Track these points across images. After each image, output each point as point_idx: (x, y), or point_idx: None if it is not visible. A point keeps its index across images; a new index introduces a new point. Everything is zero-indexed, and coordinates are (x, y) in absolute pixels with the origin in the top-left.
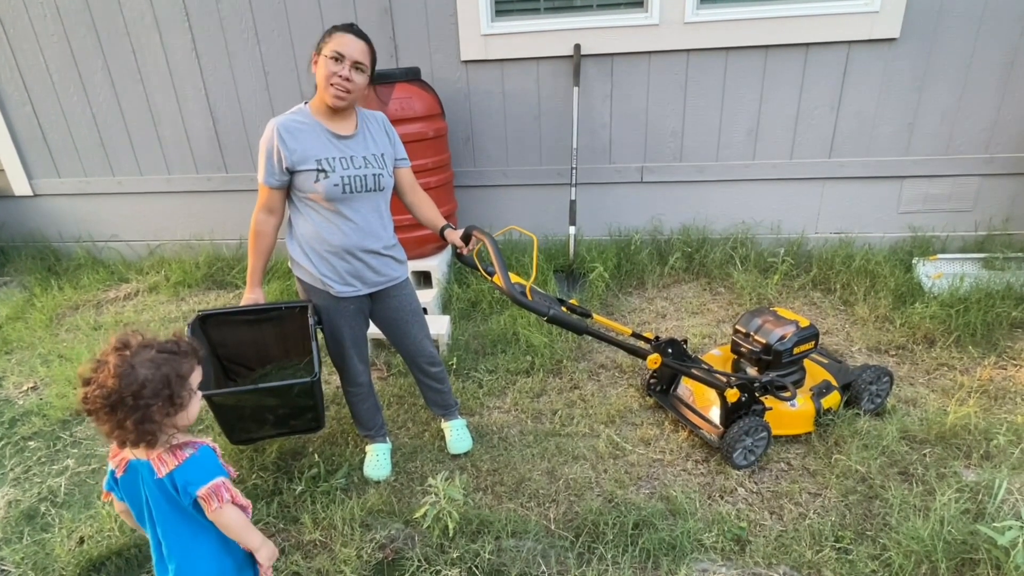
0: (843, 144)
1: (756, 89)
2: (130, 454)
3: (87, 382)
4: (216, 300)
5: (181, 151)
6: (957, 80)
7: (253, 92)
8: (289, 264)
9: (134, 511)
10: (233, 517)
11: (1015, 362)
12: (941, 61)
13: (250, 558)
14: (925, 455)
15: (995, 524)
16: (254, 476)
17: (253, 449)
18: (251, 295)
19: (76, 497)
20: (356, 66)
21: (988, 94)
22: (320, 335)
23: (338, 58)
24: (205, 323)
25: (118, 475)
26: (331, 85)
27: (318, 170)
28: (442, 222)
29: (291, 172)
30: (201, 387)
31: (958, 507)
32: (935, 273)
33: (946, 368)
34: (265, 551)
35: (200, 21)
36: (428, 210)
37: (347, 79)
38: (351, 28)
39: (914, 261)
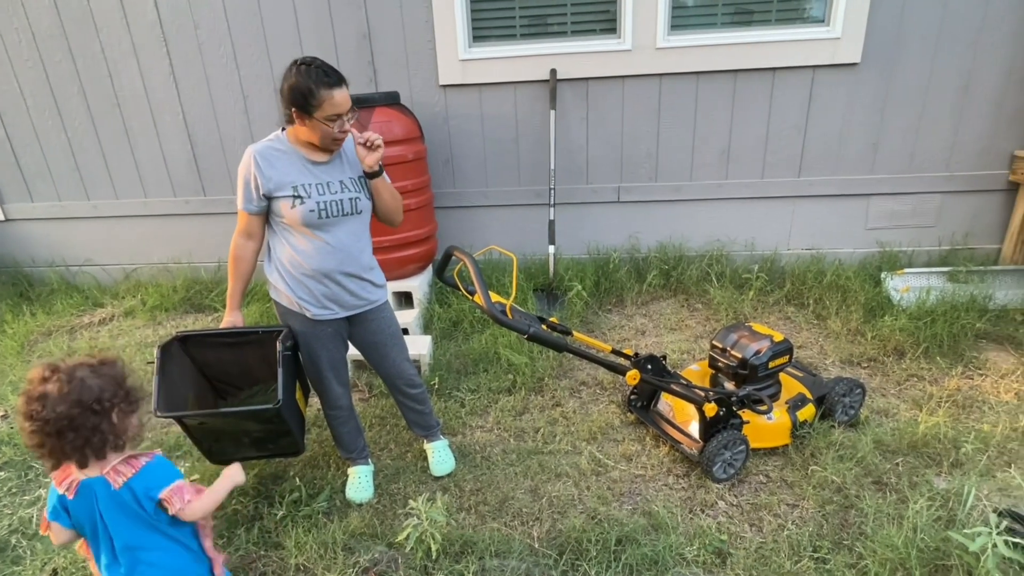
0: (811, 163)
1: (727, 111)
2: (81, 474)
3: (31, 416)
4: (194, 323)
5: (158, 174)
6: (917, 102)
7: (231, 116)
8: (267, 288)
9: (87, 533)
10: (199, 506)
11: (980, 372)
12: (901, 84)
13: (210, 565)
14: (898, 464)
15: (966, 531)
16: (233, 502)
17: None
18: (230, 318)
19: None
20: (349, 113)
21: (946, 115)
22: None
23: (336, 119)
24: (186, 344)
25: (70, 497)
26: (335, 141)
27: (294, 196)
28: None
29: (268, 198)
30: (174, 408)
31: (930, 515)
32: (903, 287)
33: (916, 379)
34: (236, 478)
35: (178, 46)
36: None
37: (347, 130)
38: (334, 79)
39: (883, 275)
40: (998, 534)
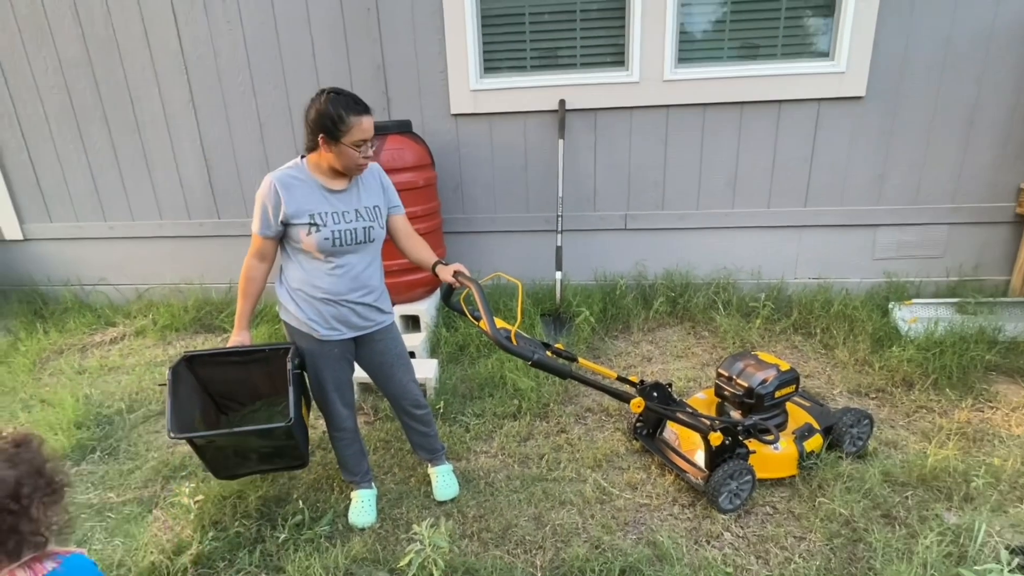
0: (818, 194)
1: (733, 142)
2: None
3: None
4: (204, 343)
5: (174, 197)
6: (921, 135)
7: (248, 142)
8: (277, 308)
9: None
10: None
11: (991, 404)
12: (905, 117)
13: None
14: (907, 497)
15: (976, 568)
16: (236, 524)
17: (236, 496)
18: (238, 337)
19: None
20: (372, 141)
21: (951, 148)
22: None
23: (362, 145)
24: (192, 363)
25: None
26: (359, 167)
27: (311, 224)
28: (434, 259)
29: (285, 224)
30: (184, 428)
31: (940, 550)
32: (911, 317)
33: (925, 410)
34: None
35: (198, 74)
36: (421, 251)
37: (370, 156)
38: (362, 107)
39: (890, 306)
40: (1010, 572)
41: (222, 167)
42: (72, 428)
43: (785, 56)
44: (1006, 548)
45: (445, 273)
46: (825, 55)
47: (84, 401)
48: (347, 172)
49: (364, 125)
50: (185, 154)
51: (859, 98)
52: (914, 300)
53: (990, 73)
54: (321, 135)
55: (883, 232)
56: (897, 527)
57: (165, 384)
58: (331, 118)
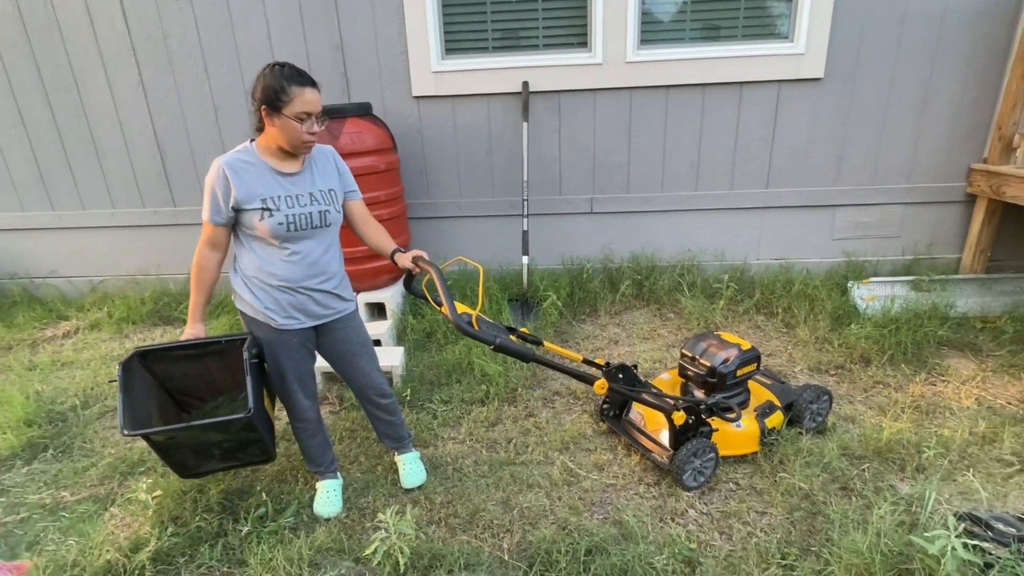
0: (779, 175)
1: (696, 124)
2: None
3: None
4: (162, 336)
5: (127, 185)
6: (878, 116)
7: (202, 127)
8: (232, 297)
9: None
10: None
11: (943, 378)
12: (862, 99)
13: None
14: (864, 470)
15: (926, 534)
16: (197, 518)
17: (197, 490)
18: (192, 330)
19: (2, 548)
20: (318, 116)
21: (906, 130)
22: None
23: (306, 118)
24: (146, 358)
25: None
26: (304, 143)
27: (263, 209)
28: (392, 246)
29: (236, 210)
30: (139, 425)
31: (893, 520)
32: (868, 296)
33: (882, 386)
34: None
35: (147, 57)
36: (380, 238)
37: (316, 132)
38: (306, 79)
39: (849, 285)
40: (957, 537)
41: (176, 153)
42: (22, 426)
43: (746, 38)
44: (954, 515)
45: (404, 260)
46: (785, 37)
47: (35, 398)
48: (293, 150)
49: (307, 97)
50: (136, 139)
51: (818, 80)
52: (871, 279)
53: (942, 55)
54: (264, 107)
55: (842, 213)
56: (854, 499)
57: (116, 381)
58: (273, 89)
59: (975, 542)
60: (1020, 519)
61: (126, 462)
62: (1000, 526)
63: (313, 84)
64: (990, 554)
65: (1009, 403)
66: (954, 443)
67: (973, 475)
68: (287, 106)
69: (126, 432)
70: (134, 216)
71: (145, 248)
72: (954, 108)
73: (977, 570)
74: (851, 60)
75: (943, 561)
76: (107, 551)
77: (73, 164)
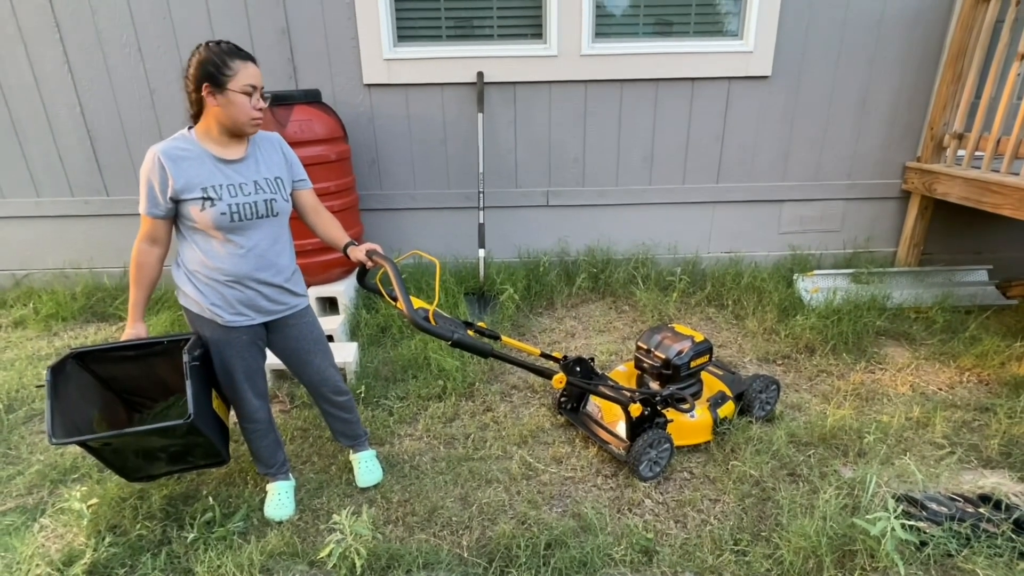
0: (729, 170)
1: (649, 119)
2: None
3: None
4: (96, 334)
5: (53, 172)
6: (821, 114)
7: (137, 110)
8: (176, 293)
9: None
10: None
11: (881, 366)
12: (807, 97)
13: None
14: (810, 456)
15: (868, 517)
16: (138, 526)
17: (137, 496)
18: (132, 330)
19: None
20: (263, 93)
21: (847, 128)
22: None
23: (252, 91)
24: (85, 360)
25: None
26: (252, 120)
27: (204, 198)
28: (345, 239)
29: (175, 201)
30: (77, 430)
31: (837, 503)
32: (812, 288)
33: (825, 374)
34: None
35: (73, 34)
36: (331, 230)
37: (262, 108)
38: (246, 54)
39: (794, 277)
40: (896, 518)
41: (108, 138)
42: None
43: (698, 34)
44: (893, 497)
45: (358, 253)
46: (735, 35)
47: None
48: (240, 129)
49: (251, 70)
50: (63, 123)
51: (765, 77)
52: (815, 271)
53: (880, 57)
54: (205, 85)
55: (788, 207)
56: (801, 484)
57: (43, 385)
58: (213, 63)
59: (912, 523)
60: (951, 499)
61: (57, 469)
62: (933, 506)
63: (253, 59)
64: (924, 532)
65: (940, 389)
66: (891, 428)
67: (909, 458)
68: (232, 80)
69: (54, 441)
70: (61, 206)
71: (75, 240)
72: (891, 108)
73: (914, 548)
74: (797, 59)
75: (883, 541)
76: (37, 565)
77: None
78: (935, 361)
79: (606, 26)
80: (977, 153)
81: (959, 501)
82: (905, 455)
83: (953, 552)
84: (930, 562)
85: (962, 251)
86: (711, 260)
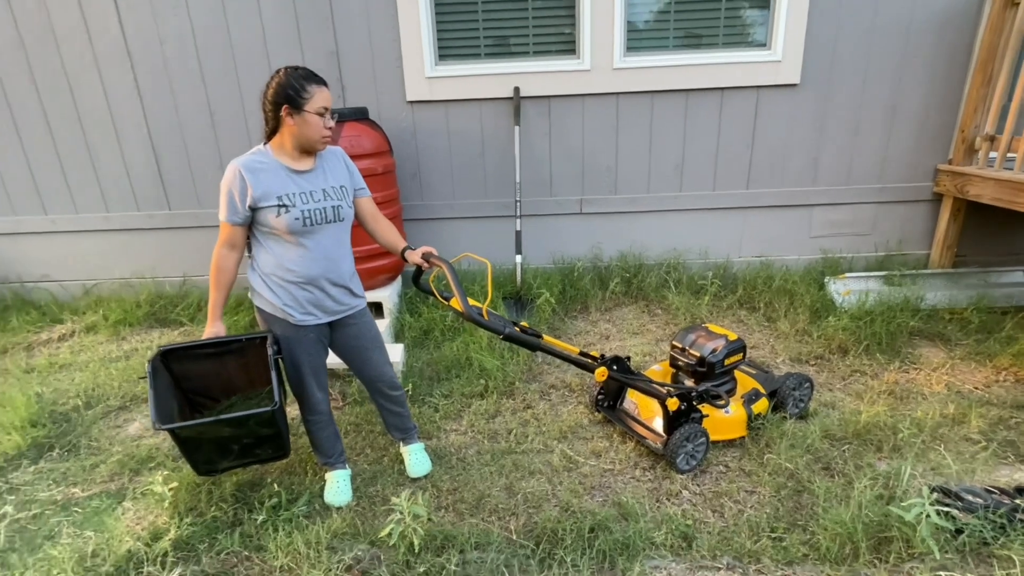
0: (759, 177)
1: (680, 128)
2: None
3: None
4: (160, 338)
5: (121, 189)
6: (851, 119)
7: (199, 131)
8: (250, 295)
9: None
10: None
11: (915, 366)
12: (836, 104)
13: None
14: (844, 451)
15: (903, 504)
16: (212, 509)
17: (211, 483)
18: (212, 329)
19: (19, 543)
20: (332, 113)
21: (877, 133)
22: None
23: (324, 113)
24: (167, 358)
25: None
26: (323, 138)
27: (279, 205)
28: (403, 244)
29: (253, 209)
30: (164, 420)
31: (872, 493)
32: (844, 290)
33: (859, 374)
34: None
35: (143, 61)
36: (389, 235)
37: (331, 127)
38: (321, 79)
39: (826, 280)
40: (930, 505)
41: (172, 157)
42: (27, 427)
43: (726, 45)
44: (928, 487)
45: (415, 256)
46: (763, 45)
47: (36, 400)
48: (312, 145)
49: (324, 94)
50: (131, 144)
51: (794, 85)
52: (847, 274)
53: (909, 63)
54: (285, 107)
55: (818, 212)
56: (836, 476)
57: (146, 376)
58: (292, 88)
59: (949, 511)
60: (987, 491)
61: (135, 459)
62: (969, 497)
63: (326, 83)
64: (960, 521)
65: (976, 388)
66: (926, 425)
67: (943, 451)
68: (308, 103)
69: (157, 427)
70: (129, 219)
71: (140, 251)
72: (921, 112)
73: (949, 535)
74: (825, 67)
75: (919, 527)
76: (127, 540)
77: (66, 168)
78: (971, 361)
79: (637, 40)
80: (1009, 155)
81: (995, 493)
82: (940, 448)
83: (989, 540)
84: (966, 549)
85: (997, 252)
86: (742, 264)
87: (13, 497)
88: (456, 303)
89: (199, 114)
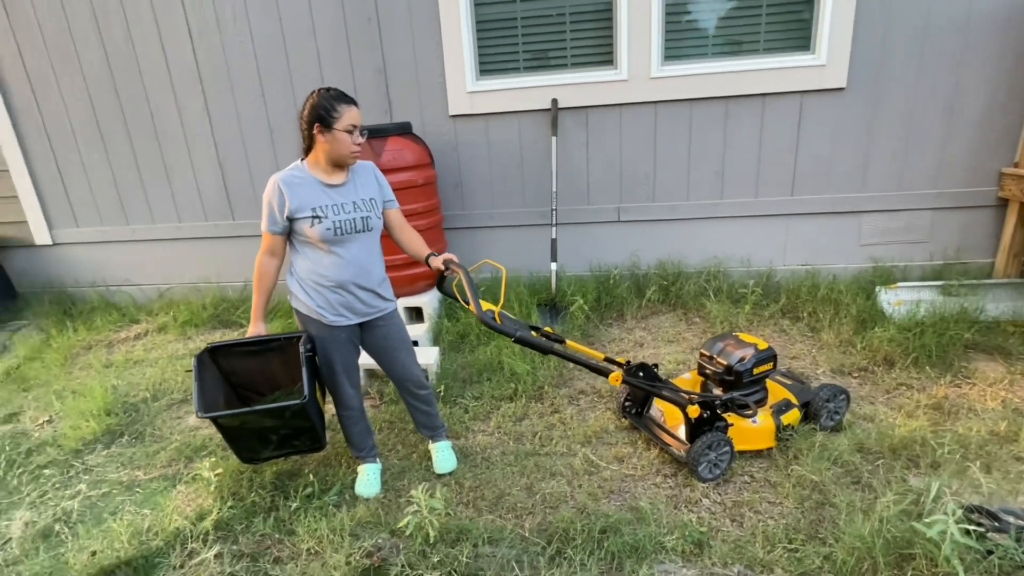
0: (803, 183)
1: (720, 135)
2: None
3: None
4: (221, 337)
5: (191, 201)
6: (903, 124)
7: (259, 147)
8: (289, 298)
9: None
10: None
11: (969, 380)
12: (886, 107)
13: None
14: (878, 465)
15: (926, 520)
16: (252, 494)
17: (253, 471)
18: (254, 329)
19: (88, 517)
20: (361, 130)
21: (932, 135)
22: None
23: (353, 130)
24: (215, 354)
25: None
26: (352, 153)
27: (313, 216)
28: (427, 251)
29: (291, 220)
30: (208, 410)
31: (897, 508)
32: (896, 300)
33: (904, 387)
34: None
35: (212, 85)
36: (415, 243)
37: (361, 143)
38: (350, 99)
39: (876, 289)
40: (956, 522)
41: (235, 171)
42: (102, 415)
43: (767, 51)
44: (962, 507)
45: (436, 262)
46: (806, 49)
47: (112, 391)
48: (343, 160)
49: (353, 112)
50: (201, 160)
51: (840, 89)
52: (900, 284)
53: (968, 62)
54: (316, 125)
55: (868, 219)
56: (865, 491)
57: (191, 371)
58: (324, 108)
59: (977, 529)
60: None
61: (191, 447)
62: (1009, 518)
63: (355, 103)
64: (991, 542)
65: None
66: (971, 441)
67: (986, 470)
68: (338, 121)
69: (200, 414)
70: (197, 229)
71: (206, 258)
72: (983, 113)
73: (979, 556)
74: (874, 70)
75: (944, 545)
76: (176, 519)
77: (146, 183)
78: None
79: (675, 49)
80: None
81: None
82: (988, 469)
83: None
84: (996, 571)
85: None
86: (786, 273)
87: (87, 477)
88: (472, 307)
89: (260, 131)
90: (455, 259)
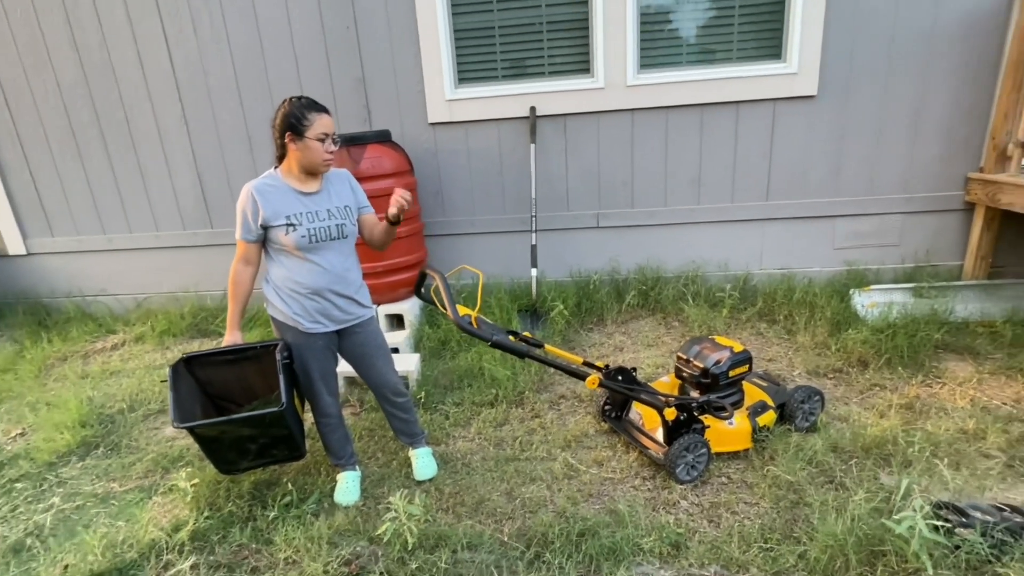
0: (778, 188)
1: (696, 142)
2: None
3: None
4: (200, 347)
5: (169, 209)
6: (872, 130)
7: (238, 155)
8: (265, 306)
9: None
10: None
11: (939, 380)
12: (856, 114)
13: None
14: (851, 465)
15: (895, 516)
16: (230, 504)
17: (230, 480)
18: (230, 338)
19: (61, 530)
20: (334, 137)
21: (901, 142)
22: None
23: (325, 138)
24: (190, 364)
25: None
26: (324, 161)
27: (287, 224)
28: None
29: (265, 228)
30: (185, 421)
31: (868, 506)
32: (869, 303)
33: (878, 388)
34: None
35: (189, 93)
36: (378, 227)
37: (333, 151)
38: (321, 107)
39: (851, 292)
40: (924, 518)
41: (214, 179)
42: (77, 427)
43: (740, 59)
44: (931, 503)
45: (392, 208)
46: (778, 57)
47: (87, 403)
48: (315, 168)
49: (325, 121)
50: (179, 168)
51: (811, 97)
52: (872, 287)
53: (933, 70)
54: (288, 133)
55: (842, 223)
56: (838, 489)
57: (166, 381)
58: (295, 116)
59: (945, 525)
60: (998, 508)
61: (167, 458)
62: (977, 514)
63: (327, 111)
64: (959, 537)
65: (1004, 403)
66: (940, 439)
67: (955, 467)
68: (309, 129)
69: (176, 424)
70: (176, 238)
71: (185, 267)
72: (948, 120)
73: (947, 551)
74: (843, 77)
75: (912, 541)
76: (151, 530)
77: (123, 191)
78: (1001, 375)
79: (650, 57)
80: None
81: (1006, 510)
82: (946, 463)
83: (991, 558)
84: (965, 567)
85: None
86: (763, 277)
87: (61, 489)
88: (448, 311)
89: (238, 139)
90: (432, 267)
